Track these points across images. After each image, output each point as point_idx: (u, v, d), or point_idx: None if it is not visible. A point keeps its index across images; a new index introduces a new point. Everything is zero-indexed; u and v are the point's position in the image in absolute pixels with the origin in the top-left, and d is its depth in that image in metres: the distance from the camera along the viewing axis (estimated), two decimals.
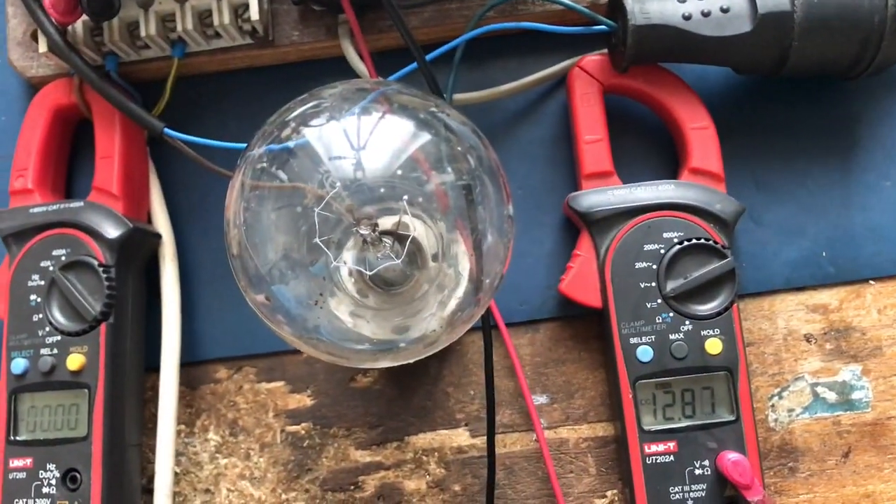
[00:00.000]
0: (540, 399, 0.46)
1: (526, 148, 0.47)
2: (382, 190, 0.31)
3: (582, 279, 0.44)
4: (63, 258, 0.43)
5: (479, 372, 0.46)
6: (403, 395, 0.46)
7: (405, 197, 0.31)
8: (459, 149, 0.32)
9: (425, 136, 0.31)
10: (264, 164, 0.32)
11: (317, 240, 0.32)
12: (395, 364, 0.38)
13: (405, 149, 0.31)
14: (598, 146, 0.44)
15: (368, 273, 0.32)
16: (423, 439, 0.46)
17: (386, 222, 0.33)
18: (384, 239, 0.34)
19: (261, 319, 0.33)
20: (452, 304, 0.44)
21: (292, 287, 0.33)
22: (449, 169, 0.32)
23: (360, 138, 0.30)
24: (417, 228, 0.36)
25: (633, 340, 0.42)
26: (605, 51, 0.45)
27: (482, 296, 0.34)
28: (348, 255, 0.34)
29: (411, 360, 0.39)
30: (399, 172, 0.30)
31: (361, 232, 0.32)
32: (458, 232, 0.35)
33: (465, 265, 0.36)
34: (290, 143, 0.31)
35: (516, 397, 0.45)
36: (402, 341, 0.40)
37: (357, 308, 0.37)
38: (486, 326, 0.40)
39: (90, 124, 0.48)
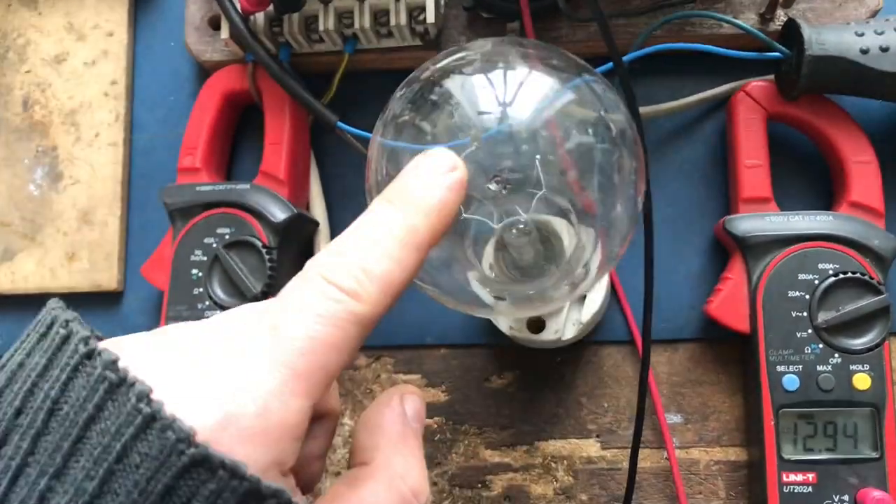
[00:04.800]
0: (674, 418, 0.46)
1: (679, 167, 0.48)
2: (525, 148, 0.30)
3: (731, 302, 0.44)
4: (227, 236, 0.45)
5: (615, 385, 0.47)
6: (536, 399, 0.47)
7: (538, 157, 0.30)
8: (602, 114, 0.31)
9: (569, 96, 0.31)
10: (406, 118, 0.31)
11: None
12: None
13: (551, 106, 0.30)
14: (758, 171, 0.44)
15: (495, 226, 0.31)
16: (553, 446, 0.46)
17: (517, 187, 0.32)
18: (511, 203, 0.32)
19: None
20: (589, 308, 0.44)
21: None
22: (590, 131, 0.31)
23: (507, 93, 0.30)
24: (554, 223, 0.35)
25: (780, 368, 0.42)
26: (771, 77, 0.45)
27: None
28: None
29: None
30: (542, 131, 0.30)
31: (490, 187, 0.30)
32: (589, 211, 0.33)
33: (596, 258, 0.34)
34: (433, 96, 0.31)
35: (649, 414, 0.46)
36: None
37: (491, 285, 0.36)
38: (646, 344, 0.41)
39: (253, 110, 0.50)
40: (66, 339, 0.19)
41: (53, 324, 0.20)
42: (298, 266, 0.47)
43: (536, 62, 0.31)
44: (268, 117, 0.47)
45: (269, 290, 0.44)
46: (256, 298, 0.44)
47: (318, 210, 0.48)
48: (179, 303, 0.45)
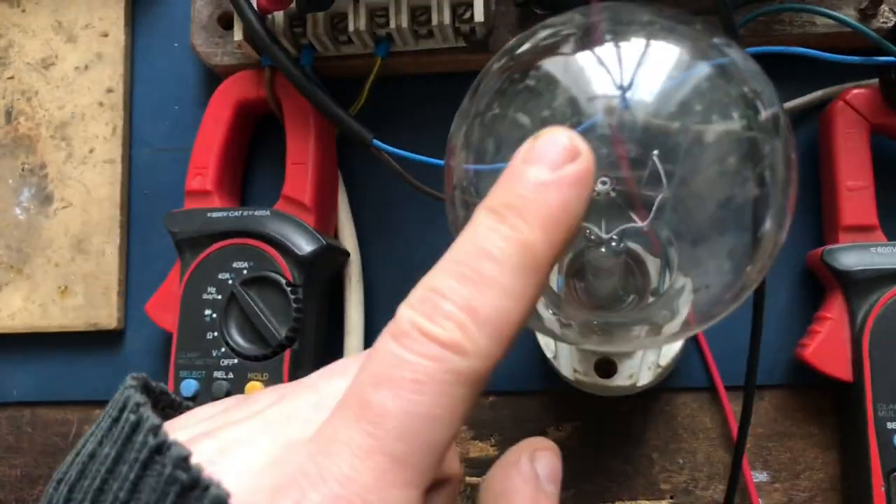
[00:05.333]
0: (760, 476, 0.40)
1: None
2: (645, 140, 0.24)
3: (830, 347, 0.38)
4: (245, 272, 0.39)
5: (690, 438, 0.41)
6: (600, 455, 0.41)
7: (655, 152, 0.25)
8: (746, 90, 0.25)
9: (704, 70, 0.25)
10: (496, 111, 0.25)
11: None
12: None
13: (681, 86, 0.24)
14: (861, 195, 0.38)
15: (604, 236, 0.26)
16: None
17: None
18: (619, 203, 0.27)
19: None
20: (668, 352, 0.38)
21: None
22: (734, 114, 0.25)
23: (624, 72, 0.24)
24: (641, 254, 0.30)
25: (891, 426, 0.36)
26: (872, 82, 0.39)
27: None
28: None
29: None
30: (669, 119, 0.24)
31: (598, 188, 0.25)
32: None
33: (686, 300, 0.29)
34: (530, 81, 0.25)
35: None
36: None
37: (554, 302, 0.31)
38: (750, 387, 0.35)
39: (271, 122, 0.44)
40: (135, 427, 0.17)
41: (125, 407, 0.18)
42: (324, 305, 0.42)
43: (654, 29, 0.25)
44: (289, 132, 0.41)
45: (296, 336, 0.38)
46: (281, 345, 0.38)
47: (349, 239, 0.42)
48: (190, 349, 0.39)
